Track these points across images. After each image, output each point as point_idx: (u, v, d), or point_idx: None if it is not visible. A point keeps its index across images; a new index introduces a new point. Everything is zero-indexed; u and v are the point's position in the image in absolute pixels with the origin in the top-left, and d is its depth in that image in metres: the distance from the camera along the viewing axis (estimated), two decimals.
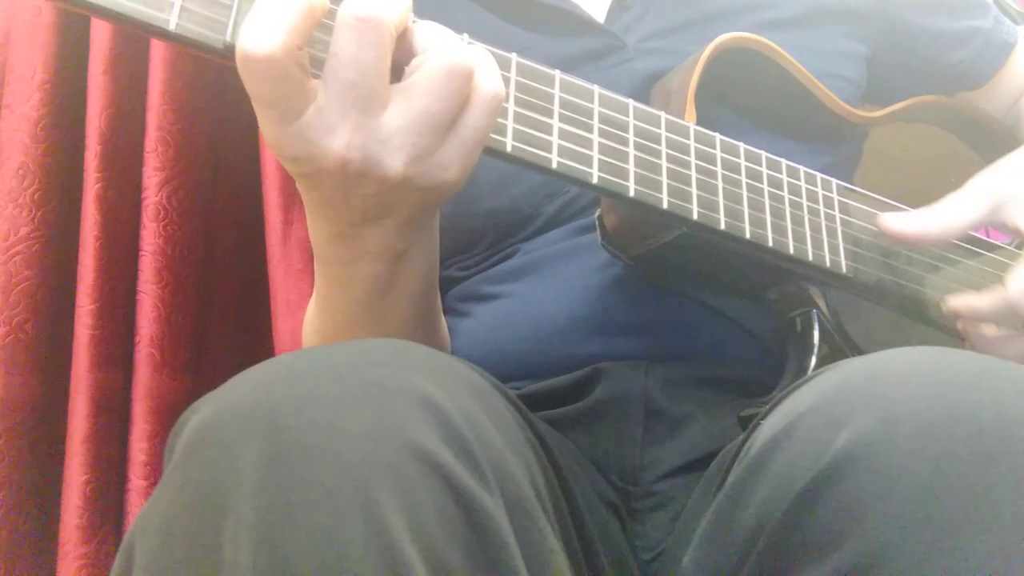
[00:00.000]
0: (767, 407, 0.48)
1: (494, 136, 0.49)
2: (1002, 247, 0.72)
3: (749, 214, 0.59)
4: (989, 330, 0.64)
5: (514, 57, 0.51)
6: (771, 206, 0.61)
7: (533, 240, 0.70)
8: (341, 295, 0.57)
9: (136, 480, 0.88)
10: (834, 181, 0.65)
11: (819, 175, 0.65)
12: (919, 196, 0.67)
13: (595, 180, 0.52)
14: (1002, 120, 0.85)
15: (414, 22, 0.46)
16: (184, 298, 0.93)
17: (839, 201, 0.65)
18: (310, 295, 0.68)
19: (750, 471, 0.43)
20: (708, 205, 0.57)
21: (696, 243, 0.59)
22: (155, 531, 0.38)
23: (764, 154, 0.61)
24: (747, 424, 0.53)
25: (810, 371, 0.63)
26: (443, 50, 0.44)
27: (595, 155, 0.53)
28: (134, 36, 0.92)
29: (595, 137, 0.53)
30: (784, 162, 0.62)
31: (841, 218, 0.65)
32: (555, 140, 0.51)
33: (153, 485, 0.88)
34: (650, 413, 0.64)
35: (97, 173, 0.89)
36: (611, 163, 0.53)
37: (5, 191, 0.86)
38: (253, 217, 0.98)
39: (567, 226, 0.69)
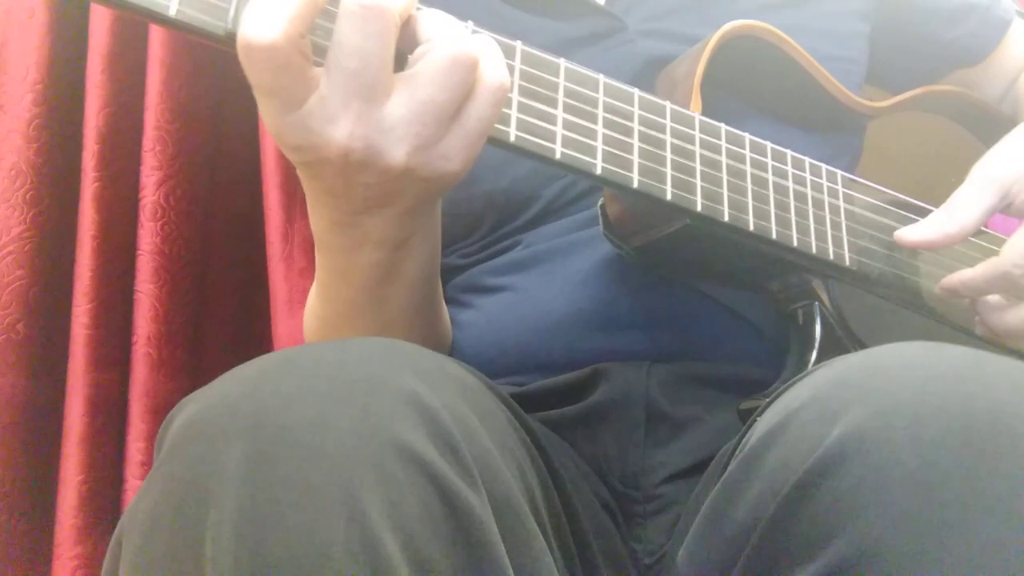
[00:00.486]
0: (765, 401, 0.47)
1: (498, 126, 0.48)
2: (1005, 238, 0.72)
3: (753, 206, 0.59)
4: (992, 299, 0.65)
5: (519, 45, 0.50)
6: (775, 198, 0.60)
7: (535, 232, 0.70)
8: (342, 283, 0.57)
9: (133, 480, 0.87)
10: (839, 173, 0.65)
11: (824, 166, 0.64)
12: (923, 187, 0.67)
13: (599, 171, 0.52)
14: (1001, 101, 0.85)
15: (418, 9, 0.46)
16: (181, 298, 0.93)
17: (843, 193, 0.65)
18: None
19: (745, 466, 0.43)
20: (712, 196, 0.57)
21: (699, 234, 0.58)
22: (140, 525, 0.38)
23: (769, 145, 0.61)
24: (747, 417, 0.53)
25: (811, 364, 0.62)
26: (448, 39, 0.44)
27: (599, 146, 0.52)
28: (132, 36, 0.92)
29: (599, 127, 0.53)
30: (789, 153, 0.62)
31: (845, 210, 0.64)
32: (559, 130, 0.51)
33: None
34: (652, 415, 0.63)
35: (95, 172, 0.89)
36: (615, 154, 0.53)
37: None
38: (251, 216, 0.98)
39: (570, 219, 0.69)
